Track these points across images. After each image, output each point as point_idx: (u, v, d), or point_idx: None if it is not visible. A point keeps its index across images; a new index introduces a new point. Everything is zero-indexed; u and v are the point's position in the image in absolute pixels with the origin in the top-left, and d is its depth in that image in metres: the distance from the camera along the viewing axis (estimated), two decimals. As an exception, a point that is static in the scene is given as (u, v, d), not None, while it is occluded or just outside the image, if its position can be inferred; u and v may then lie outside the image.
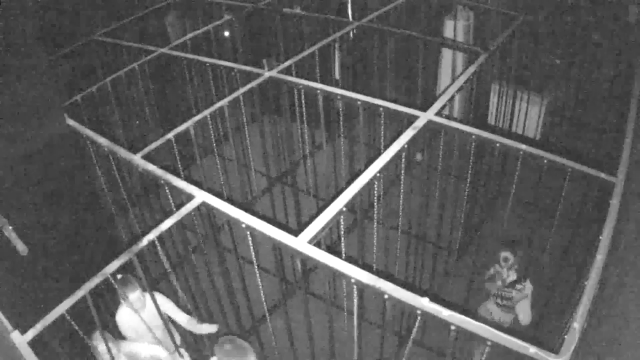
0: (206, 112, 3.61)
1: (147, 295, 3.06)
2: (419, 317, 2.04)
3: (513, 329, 3.46)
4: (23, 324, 2.23)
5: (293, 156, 4.82)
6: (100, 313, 2.87)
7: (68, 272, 3.56)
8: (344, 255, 2.85)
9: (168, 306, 3.32)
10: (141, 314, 3.17)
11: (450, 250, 4.88)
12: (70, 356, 2.86)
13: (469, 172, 3.71)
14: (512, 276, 3.47)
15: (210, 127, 3.75)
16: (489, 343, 1.88)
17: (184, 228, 3.15)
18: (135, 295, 3.13)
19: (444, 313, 1.96)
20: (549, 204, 3.83)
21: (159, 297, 3.24)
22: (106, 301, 3.52)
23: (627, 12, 5.30)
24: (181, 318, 3.36)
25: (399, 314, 4.15)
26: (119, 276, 2.84)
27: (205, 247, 3.71)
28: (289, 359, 3.58)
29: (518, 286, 3.44)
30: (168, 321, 3.27)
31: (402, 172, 3.33)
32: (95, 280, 2.37)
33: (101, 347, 2.89)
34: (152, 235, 2.59)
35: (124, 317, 3.22)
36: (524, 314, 3.42)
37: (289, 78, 3.91)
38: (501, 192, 5.40)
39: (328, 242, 4.67)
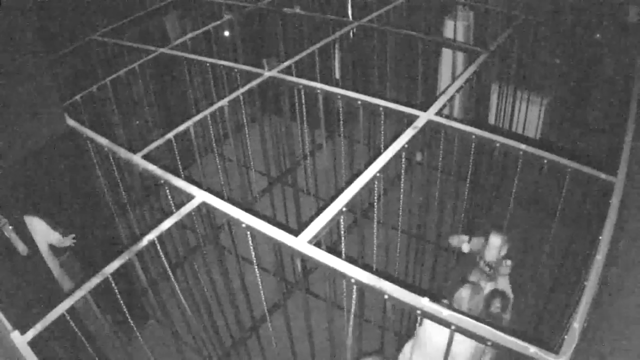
0: (206, 112, 3.61)
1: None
2: (419, 317, 2.03)
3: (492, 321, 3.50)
4: (23, 324, 2.23)
5: (293, 156, 4.82)
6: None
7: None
8: (344, 255, 2.85)
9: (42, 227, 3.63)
10: None
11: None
12: (70, 356, 2.86)
13: (469, 172, 3.71)
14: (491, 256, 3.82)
15: (210, 127, 3.75)
16: (489, 343, 1.88)
17: (184, 228, 3.14)
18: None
19: (444, 313, 1.96)
20: (548, 204, 3.83)
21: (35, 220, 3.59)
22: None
23: (627, 12, 5.30)
24: (55, 237, 3.71)
25: (399, 314, 4.15)
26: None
27: (205, 247, 3.71)
28: (289, 359, 3.58)
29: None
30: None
31: (402, 172, 3.33)
32: (95, 280, 2.37)
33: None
34: (152, 235, 2.59)
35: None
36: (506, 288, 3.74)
37: (289, 78, 3.91)
38: (501, 192, 5.40)
39: (328, 242, 4.66)
